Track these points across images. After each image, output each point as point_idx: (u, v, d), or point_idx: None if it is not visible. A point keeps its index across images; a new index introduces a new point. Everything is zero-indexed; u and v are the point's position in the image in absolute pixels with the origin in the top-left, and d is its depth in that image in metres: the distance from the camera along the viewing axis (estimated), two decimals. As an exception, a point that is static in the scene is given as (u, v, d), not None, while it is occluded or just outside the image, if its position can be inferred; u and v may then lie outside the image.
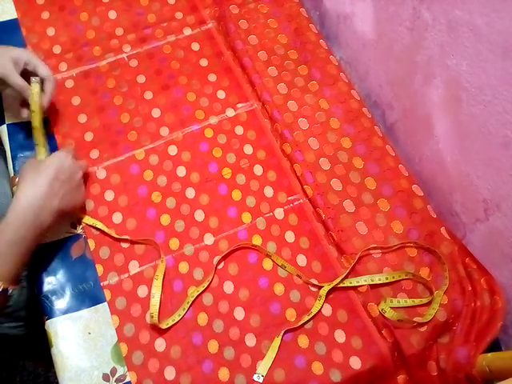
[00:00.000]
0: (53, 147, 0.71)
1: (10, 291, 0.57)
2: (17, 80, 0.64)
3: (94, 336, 0.61)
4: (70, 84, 0.77)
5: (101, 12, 0.82)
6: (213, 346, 0.61)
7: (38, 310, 0.64)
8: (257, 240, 0.68)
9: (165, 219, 0.68)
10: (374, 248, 0.67)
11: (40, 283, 0.64)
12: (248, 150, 0.74)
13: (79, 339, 0.61)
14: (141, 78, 0.78)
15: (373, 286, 0.65)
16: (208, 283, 0.64)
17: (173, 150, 0.73)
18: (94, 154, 0.72)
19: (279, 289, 0.65)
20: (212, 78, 0.79)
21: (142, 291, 0.64)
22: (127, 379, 0.59)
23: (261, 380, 0.59)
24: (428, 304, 0.64)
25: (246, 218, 0.69)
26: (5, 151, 0.72)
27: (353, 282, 0.65)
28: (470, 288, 0.64)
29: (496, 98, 0.55)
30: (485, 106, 0.57)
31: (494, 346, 0.62)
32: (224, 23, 0.82)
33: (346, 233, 0.68)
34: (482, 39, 0.54)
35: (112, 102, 0.76)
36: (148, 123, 0.75)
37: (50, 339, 0.61)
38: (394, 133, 0.79)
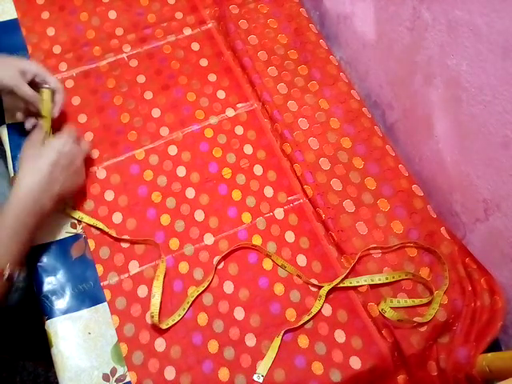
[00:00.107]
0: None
1: (16, 276, 0.58)
2: (27, 90, 0.65)
3: (94, 336, 0.61)
4: (69, 84, 0.77)
5: (101, 12, 0.82)
6: (213, 346, 0.61)
7: (38, 310, 0.64)
8: (257, 240, 0.68)
9: (165, 219, 0.68)
10: (374, 248, 0.67)
11: (40, 283, 0.64)
12: (248, 150, 0.74)
13: (79, 339, 0.61)
14: (141, 78, 0.78)
15: (373, 286, 0.65)
16: (208, 283, 0.64)
17: (173, 150, 0.73)
18: (94, 154, 0.72)
19: (279, 289, 0.65)
20: (212, 78, 0.79)
21: (141, 291, 0.64)
22: (127, 379, 0.59)
23: (261, 380, 0.59)
24: (428, 304, 0.64)
25: (246, 218, 0.69)
26: (5, 151, 0.72)
27: (353, 282, 0.65)
28: (469, 288, 0.64)
29: (496, 97, 0.55)
30: (485, 106, 0.57)
31: (494, 346, 0.62)
32: (224, 23, 0.82)
33: (346, 233, 0.68)
34: (482, 39, 0.54)
35: (112, 102, 0.76)
36: (148, 123, 0.75)
37: (50, 339, 0.61)
38: (394, 133, 0.79)
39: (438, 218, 0.70)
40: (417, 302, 0.64)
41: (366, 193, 0.71)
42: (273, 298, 0.64)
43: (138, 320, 0.62)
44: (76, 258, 0.65)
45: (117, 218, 0.68)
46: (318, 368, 0.61)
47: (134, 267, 0.65)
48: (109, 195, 0.69)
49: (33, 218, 0.59)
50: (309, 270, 0.66)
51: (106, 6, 0.83)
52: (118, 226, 0.67)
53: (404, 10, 0.67)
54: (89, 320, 0.62)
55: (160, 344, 0.61)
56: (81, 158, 0.66)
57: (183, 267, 0.66)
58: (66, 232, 0.67)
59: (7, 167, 0.72)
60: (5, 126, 0.72)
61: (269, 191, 0.71)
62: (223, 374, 0.60)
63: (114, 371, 0.60)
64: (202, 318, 0.63)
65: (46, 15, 0.81)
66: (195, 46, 0.82)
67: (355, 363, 0.61)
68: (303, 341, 0.62)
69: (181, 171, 0.72)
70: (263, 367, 0.60)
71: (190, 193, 0.70)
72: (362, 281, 0.65)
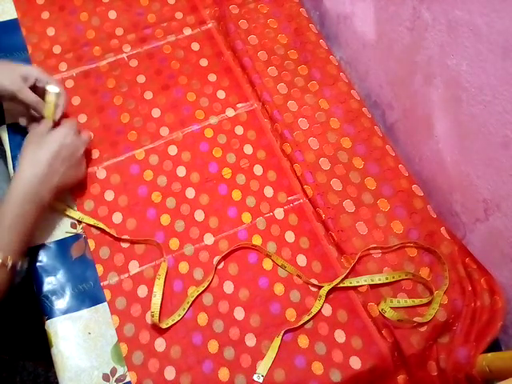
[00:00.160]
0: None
1: (19, 266, 0.59)
2: (29, 95, 0.65)
3: (94, 336, 0.61)
4: (69, 84, 0.77)
5: (101, 12, 0.82)
6: (213, 346, 0.61)
7: (38, 310, 0.64)
8: (257, 240, 0.68)
9: (165, 219, 0.68)
10: (374, 248, 0.67)
11: (40, 283, 0.64)
12: (248, 150, 0.74)
13: (79, 339, 0.61)
14: (141, 78, 0.78)
15: (373, 286, 0.65)
16: (208, 283, 0.64)
17: (173, 150, 0.73)
18: (94, 154, 0.72)
19: (279, 289, 0.65)
20: (212, 78, 0.79)
21: (141, 291, 0.64)
22: (127, 379, 0.59)
23: (261, 380, 0.59)
24: (428, 304, 0.64)
25: (246, 218, 0.69)
26: (5, 151, 0.72)
27: (353, 282, 0.65)
28: (470, 288, 0.64)
29: (496, 97, 0.55)
30: (485, 106, 0.57)
31: (494, 346, 0.62)
32: (224, 23, 0.82)
33: (346, 233, 0.68)
34: (482, 39, 0.54)
35: (112, 102, 0.76)
36: (148, 123, 0.75)
37: (50, 339, 0.61)
38: (394, 133, 0.79)
39: (438, 218, 0.70)
40: (417, 301, 0.64)
41: (366, 193, 0.71)
42: (273, 298, 0.64)
43: (138, 320, 0.62)
44: (76, 258, 0.65)
45: (117, 217, 0.68)
46: (317, 368, 0.61)
47: (133, 267, 0.65)
48: (109, 195, 0.69)
49: (33, 208, 0.60)
50: (309, 270, 0.66)
51: (106, 5, 0.83)
52: (118, 226, 0.67)
53: (404, 10, 0.67)
54: (89, 320, 0.62)
55: (160, 344, 0.61)
56: (81, 150, 0.66)
57: (183, 267, 0.66)
58: (66, 232, 0.67)
59: (7, 167, 0.72)
60: (5, 126, 0.72)
61: (269, 191, 0.71)
62: (223, 374, 0.60)
63: (113, 371, 0.60)
64: (202, 318, 0.63)
65: (46, 15, 0.81)
66: (195, 46, 0.82)
67: (355, 363, 0.61)
68: (303, 341, 0.62)
69: (181, 171, 0.72)
70: (263, 367, 0.60)
71: (190, 193, 0.70)
72: (362, 281, 0.65)
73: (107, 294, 0.63)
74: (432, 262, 0.67)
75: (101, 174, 0.71)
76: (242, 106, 0.77)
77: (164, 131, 0.74)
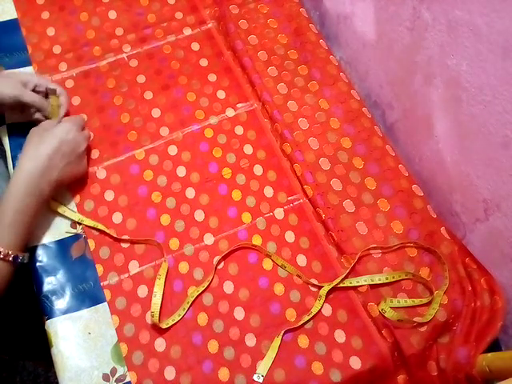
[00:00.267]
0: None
1: (20, 259, 0.59)
2: (32, 96, 0.66)
3: (94, 336, 0.61)
4: (69, 84, 0.77)
5: (101, 12, 0.82)
6: (213, 346, 0.61)
7: (38, 310, 0.64)
8: (257, 240, 0.68)
9: (165, 219, 0.68)
10: (374, 248, 0.67)
11: (40, 283, 0.64)
12: (248, 150, 0.74)
13: (79, 339, 0.61)
14: (141, 78, 0.78)
15: (373, 286, 0.65)
16: (208, 283, 0.64)
17: (173, 150, 0.73)
18: (94, 154, 0.72)
19: (279, 289, 0.65)
20: (212, 78, 0.79)
21: (141, 291, 0.64)
22: (127, 379, 0.59)
23: (261, 380, 0.59)
24: (428, 304, 0.64)
25: (246, 218, 0.69)
26: (5, 151, 0.72)
27: (353, 282, 0.65)
28: (469, 288, 0.64)
29: (496, 97, 0.55)
30: (485, 106, 0.57)
31: (494, 346, 0.62)
32: (224, 23, 0.82)
33: (346, 233, 0.68)
34: (482, 39, 0.54)
35: (112, 102, 0.76)
36: (148, 123, 0.75)
37: (50, 339, 0.61)
38: (394, 133, 0.79)
39: (438, 218, 0.70)
40: (417, 302, 0.64)
41: (366, 193, 0.71)
42: (273, 297, 0.64)
43: (138, 320, 0.62)
44: (76, 257, 0.65)
45: (117, 217, 0.68)
46: (318, 368, 0.61)
47: (133, 267, 0.65)
48: (109, 195, 0.69)
49: (33, 201, 0.60)
50: (309, 270, 0.66)
51: (106, 5, 0.83)
52: (118, 226, 0.67)
53: (404, 10, 0.66)
54: (89, 320, 0.62)
55: (160, 344, 0.61)
56: (83, 146, 0.67)
57: (183, 267, 0.66)
58: (66, 232, 0.67)
59: (7, 167, 0.72)
60: (5, 126, 0.72)
61: (269, 191, 0.71)
62: (223, 374, 0.60)
63: (113, 371, 0.60)
64: (202, 318, 0.63)
65: (46, 15, 0.81)
66: (195, 46, 0.82)
67: (355, 363, 0.61)
68: (303, 341, 0.62)
69: (181, 171, 0.72)
70: (263, 367, 0.60)
71: (190, 193, 0.70)
72: (362, 281, 0.65)
73: (107, 294, 0.63)
74: (432, 262, 0.67)
75: (101, 173, 0.71)
76: (242, 106, 0.77)
77: (164, 131, 0.74)
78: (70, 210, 0.68)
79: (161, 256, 0.65)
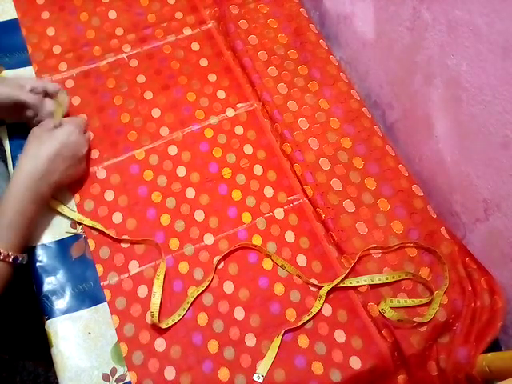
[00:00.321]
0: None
1: (20, 260, 0.59)
2: (29, 96, 0.66)
3: (94, 336, 0.61)
4: (69, 84, 0.77)
5: (101, 12, 0.82)
6: (213, 346, 0.61)
7: (38, 310, 0.64)
8: (257, 240, 0.68)
9: (165, 219, 0.68)
10: (374, 248, 0.67)
11: (40, 283, 0.64)
12: (248, 150, 0.74)
13: (79, 339, 0.61)
14: (141, 78, 0.78)
15: (373, 286, 0.65)
16: (208, 283, 0.64)
17: (173, 150, 0.73)
18: (94, 154, 0.72)
19: (279, 289, 0.65)
20: (212, 78, 0.79)
21: (141, 291, 0.64)
22: (127, 379, 0.59)
23: (261, 380, 0.59)
24: (428, 304, 0.64)
25: (246, 218, 0.69)
26: (5, 151, 0.72)
27: (353, 282, 0.65)
28: (470, 288, 0.64)
29: (496, 97, 0.55)
30: (485, 106, 0.57)
31: (494, 346, 0.62)
32: (224, 23, 0.82)
33: (346, 233, 0.68)
34: (482, 39, 0.54)
35: (112, 102, 0.76)
36: (148, 123, 0.75)
37: (50, 339, 0.61)
38: (394, 133, 0.79)
39: (438, 218, 0.70)
40: (417, 302, 0.64)
41: (366, 193, 0.71)
42: (273, 297, 0.64)
43: (138, 320, 0.62)
44: (76, 258, 0.65)
45: (117, 217, 0.68)
46: (318, 368, 0.61)
47: (133, 267, 0.65)
48: (109, 195, 0.69)
49: (33, 202, 0.60)
50: (309, 270, 0.66)
51: (106, 5, 0.83)
52: (118, 226, 0.67)
53: (404, 10, 0.66)
54: (89, 320, 0.62)
55: (160, 344, 0.61)
56: (85, 149, 0.67)
57: (183, 267, 0.65)
58: (66, 232, 0.67)
59: (7, 168, 0.72)
60: (5, 126, 0.72)
61: (269, 191, 0.71)
62: (223, 374, 0.60)
63: (113, 371, 0.60)
64: (202, 318, 0.63)
65: (46, 15, 0.81)
66: (195, 46, 0.82)
67: (355, 363, 0.61)
68: (303, 341, 0.62)
69: (181, 171, 0.72)
70: (263, 367, 0.60)
71: (190, 193, 0.70)
72: (362, 281, 0.65)
73: (107, 294, 0.63)
74: (432, 262, 0.67)
75: (101, 174, 0.71)
76: (242, 106, 0.77)
77: (164, 131, 0.74)
78: (70, 209, 0.68)
79: (160, 256, 0.65)
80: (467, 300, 0.64)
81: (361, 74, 0.83)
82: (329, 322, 0.63)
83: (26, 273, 0.65)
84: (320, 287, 0.65)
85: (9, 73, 0.76)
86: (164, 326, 0.61)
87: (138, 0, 0.84)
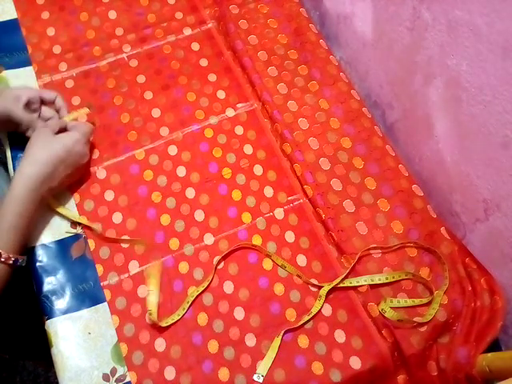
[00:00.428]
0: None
1: (19, 262, 0.59)
2: (24, 114, 0.65)
3: (94, 336, 0.61)
4: (69, 84, 0.77)
5: (101, 12, 0.82)
6: (213, 346, 0.61)
7: (38, 310, 0.64)
8: (257, 240, 0.68)
9: (165, 219, 0.68)
10: (374, 248, 0.67)
11: (40, 283, 0.64)
12: (248, 150, 0.74)
13: (79, 339, 0.61)
14: (141, 78, 0.78)
15: (373, 286, 0.65)
16: (208, 283, 0.64)
17: (173, 150, 0.73)
18: (94, 154, 0.72)
19: (279, 289, 0.65)
20: (212, 78, 0.79)
21: (141, 291, 0.64)
22: (127, 379, 0.59)
23: (261, 380, 0.59)
24: (428, 304, 0.64)
25: (246, 218, 0.69)
26: (5, 152, 0.72)
27: (353, 282, 0.65)
28: (470, 288, 0.64)
29: (496, 97, 0.55)
30: (485, 106, 0.57)
31: (494, 346, 0.62)
32: (224, 23, 0.82)
33: (346, 233, 0.68)
34: (482, 39, 0.54)
35: (112, 102, 0.76)
36: (148, 123, 0.75)
37: (50, 339, 0.61)
38: (394, 133, 0.79)
39: (438, 218, 0.70)
40: (417, 302, 0.64)
41: (366, 193, 0.71)
42: (273, 297, 0.64)
43: (138, 320, 0.62)
44: (76, 258, 0.65)
45: (117, 217, 0.68)
46: (318, 368, 0.61)
47: (133, 267, 0.65)
48: (109, 195, 0.69)
49: (33, 206, 0.60)
50: (309, 270, 0.66)
51: (106, 5, 0.83)
52: (118, 226, 0.67)
53: (404, 10, 0.67)
54: (89, 320, 0.62)
55: (160, 344, 0.61)
56: (87, 158, 0.67)
57: (183, 267, 0.66)
58: (65, 232, 0.67)
59: (7, 168, 0.71)
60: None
61: (269, 191, 0.71)
62: (223, 374, 0.60)
63: (113, 371, 0.60)
64: (202, 318, 0.63)
65: (46, 15, 0.81)
66: (195, 46, 0.82)
67: (355, 363, 0.61)
68: (303, 341, 0.62)
69: (181, 171, 0.72)
70: (263, 367, 0.60)
71: (190, 193, 0.70)
72: (362, 281, 0.65)
73: (107, 294, 0.63)
74: (432, 262, 0.67)
75: (101, 174, 0.71)
76: (242, 106, 0.77)
77: (164, 131, 0.74)
78: (67, 208, 0.68)
79: (160, 256, 0.65)
80: (467, 300, 0.64)
81: (361, 74, 0.83)
82: (329, 322, 0.63)
83: (25, 273, 0.65)
84: (320, 287, 0.65)
85: (9, 73, 0.76)
86: (164, 324, 0.61)
87: (137, 0, 0.84)
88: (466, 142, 0.63)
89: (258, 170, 0.73)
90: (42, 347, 0.65)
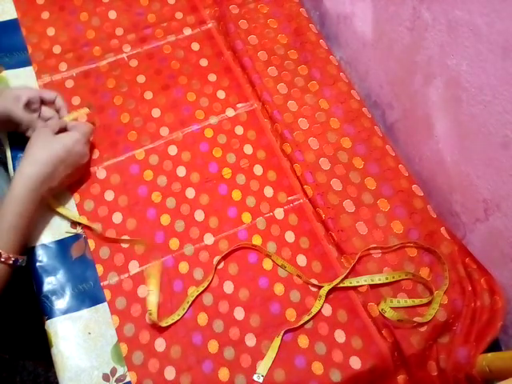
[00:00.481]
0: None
1: (19, 262, 0.59)
2: (24, 114, 0.65)
3: (94, 336, 0.61)
4: (69, 84, 0.77)
5: (101, 12, 0.82)
6: (213, 346, 0.61)
7: (38, 310, 0.64)
8: (257, 240, 0.68)
9: (165, 219, 0.68)
10: (374, 248, 0.67)
11: (40, 283, 0.64)
12: (248, 150, 0.74)
13: (79, 339, 0.61)
14: (141, 78, 0.78)
15: (373, 286, 0.65)
16: (208, 283, 0.64)
17: (173, 150, 0.73)
18: (94, 154, 0.72)
19: (279, 289, 0.65)
20: (212, 78, 0.79)
21: (141, 291, 0.64)
22: (127, 379, 0.59)
23: (261, 380, 0.59)
24: (428, 304, 0.64)
25: (246, 218, 0.69)
26: (5, 152, 0.72)
27: (353, 282, 0.65)
28: (470, 288, 0.64)
29: (496, 97, 0.55)
30: (485, 106, 0.57)
31: (494, 346, 0.62)
32: (224, 23, 0.82)
33: (346, 233, 0.68)
34: (482, 39, 0.54)
35: (112, 102, 0.76)
36: (148, 123, 0.75)
37: (50, 339, 0.61)
38: (394, 133, 0.79)
39: (438, 218, 0.70)
40: (417, 302, 0.64)
41: (366, 193, 0.71)
42: (273, 297, 0.64)
43: (138, 320, 0.62)
44: (76, 258, 0.65)
45: (117, 217, 0.68)
46: (318, 368, 0.61)
47: (133, 267, 0.65)
48: (109, 195, 0.69)
49: (33, 206, 0.60)
50: (309, 270, 0.66)
51: (106, 5, 0.83)
52: (118, 226, 0.67)
53: (404, 10, 0.67)
54: (89, 320, 0.62)
55: (160, 344, 0.61)
56: (87, 158, 0.67)
57: (183, 267, 0.66)
58: (65, 232, 0.67)
59: (7, 168, 0.71)
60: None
61: (269, 191, 0.71)
62: (223, 374, 0.60)
63: (113, 371, 0.60)
64: (202, 318, 0.63)
65: (46, 15, 0.81)
66: (195, 46, 0.82)
67: (355, 363, 0.61)
68: (303, 341, 0.62)
69: (181, 171, 0.72)
70: (263, 367, 0.60)
71: (190, 193, 0.70)
72: (362, 281, 0.65)
73: (107, 294, 0.63)
74: (432, 262, 0.67)
75: (101, 174, 0.71)
76: (242, 106, 0.77)
77: (164, 131, 0.74)
78: (67, 208, 0.68)
79: (160, 256, 0.65)
80: (467, 300, 0.64)
81: (361, 74, 0.83)
82: (329, 322, 0.63)
83: (26, 273, 0.65)
84: (320, 287, 0.65)
85: (9, 73, 0.76)
86: (164, 324, 0.61)
87: (137, 0, 0.84)
88: (466, 142, 0.63)
89: (258, 170, 0.73)
90: (42, 347, 0.65)
